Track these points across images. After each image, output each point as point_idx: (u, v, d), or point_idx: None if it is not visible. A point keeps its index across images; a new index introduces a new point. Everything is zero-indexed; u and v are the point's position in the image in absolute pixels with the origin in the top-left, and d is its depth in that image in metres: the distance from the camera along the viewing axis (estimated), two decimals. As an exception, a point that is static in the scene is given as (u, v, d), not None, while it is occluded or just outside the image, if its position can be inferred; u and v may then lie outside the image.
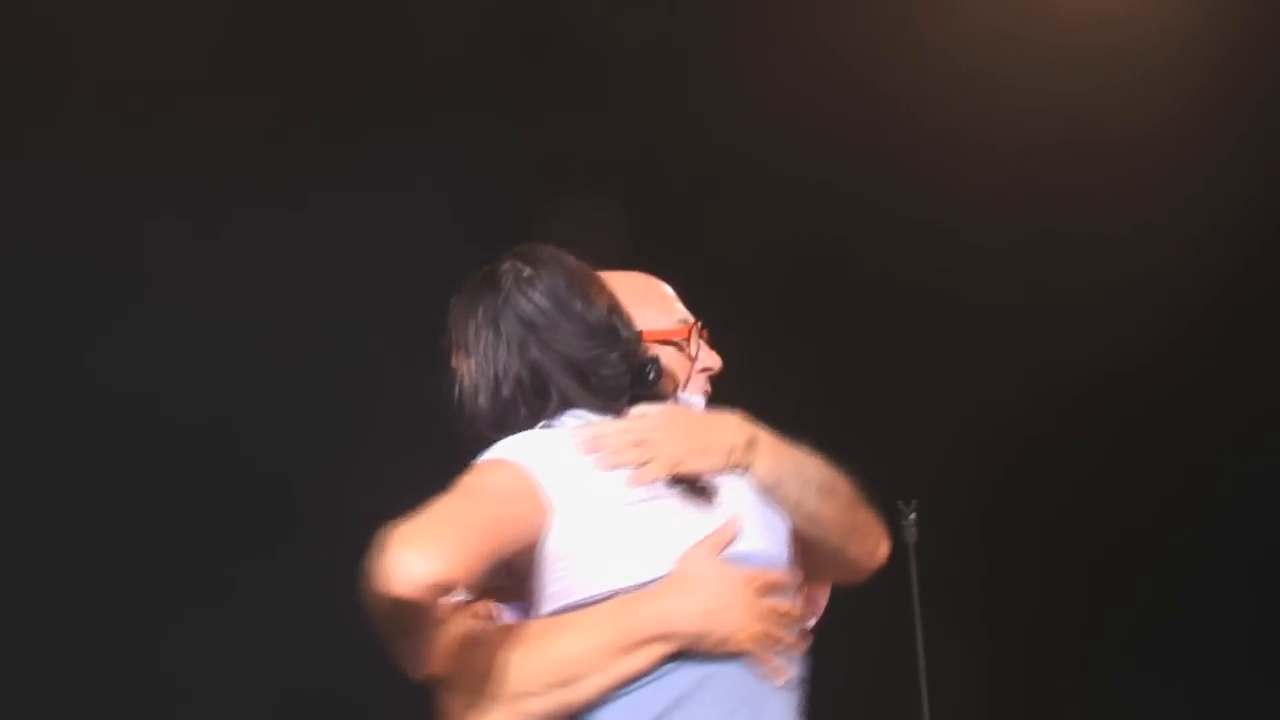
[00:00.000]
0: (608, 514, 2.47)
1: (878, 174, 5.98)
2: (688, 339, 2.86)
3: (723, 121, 5.83)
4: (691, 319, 2.89)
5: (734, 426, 2.57)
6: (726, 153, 5.85)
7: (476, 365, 2.60)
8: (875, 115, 5.93)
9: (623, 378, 2.59)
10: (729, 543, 2.49)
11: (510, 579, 2.46)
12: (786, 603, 2.52)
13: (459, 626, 2.47)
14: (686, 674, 2.43)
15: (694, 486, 2.52)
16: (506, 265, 2.64)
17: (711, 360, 2.87)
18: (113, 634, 5.13)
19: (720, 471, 2.54)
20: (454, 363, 2.63)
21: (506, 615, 2.51)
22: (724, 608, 2.43)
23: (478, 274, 2.67)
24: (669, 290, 2.94)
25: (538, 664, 2.41)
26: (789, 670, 2.50)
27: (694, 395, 2.79)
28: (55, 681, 5.09)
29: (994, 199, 6.06)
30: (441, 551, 2.27)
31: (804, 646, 2.54)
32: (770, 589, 2.51)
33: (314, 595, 5.14)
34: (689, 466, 2.51)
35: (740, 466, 2.55)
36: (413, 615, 2.30)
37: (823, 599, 2.84)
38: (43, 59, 5.20)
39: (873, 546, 2.69)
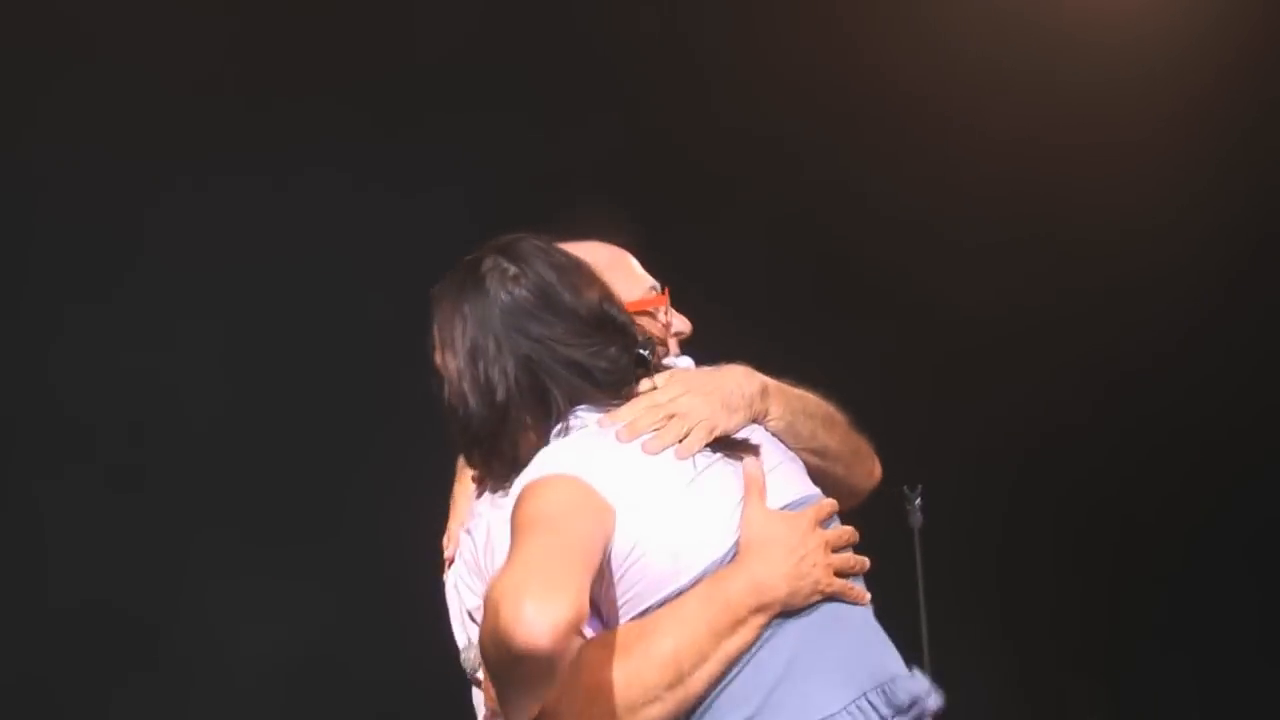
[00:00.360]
0: (667, 500, 2.44)
1: (889, 166, 6.02)
2: (661, 307, 2.85)
3: (734, 114, 5.87)
4: (659, 285, 2.88)
5: (745, 377, 2.60)
6: (738, 144, 5.88)
7: (466, 367, 2.53)
8: (887, 108, 5.96)
9: (625, 367, 2.57)
10: (772, 492, 2.50)
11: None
12: (845, 529, 2.56)
13: None
14: (790, 632, 2.42)
15: (731, 446, 2.52)
16: (489, 262, 2.58)
17: (683, 324, 2.88)
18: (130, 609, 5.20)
19: (746, 424, 2.56)
20: (440, 362, 2.57)
21: (587, 631, 2.35)
22: (802, 559, 2.44)
23: (458, 269, 2.60)
24: (632, 258, 2.92)
25: (646, 670, 2.33)
26: (864, 591, 2.54)
27: (683, 359, 2.75)
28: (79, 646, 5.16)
29: (1003, 192, 6.09)
30: (561, 593, 2.14)
31: (866, 562, 2.55)
32: (827, 521, 2.55)
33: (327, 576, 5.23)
34: (724, 427, 2.52)
35: (760, 415, 2.58)
36: (546, 666, 2.14)
37: None
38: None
39: (870, 467, 2.78)
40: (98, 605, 5.11)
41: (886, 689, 2.45)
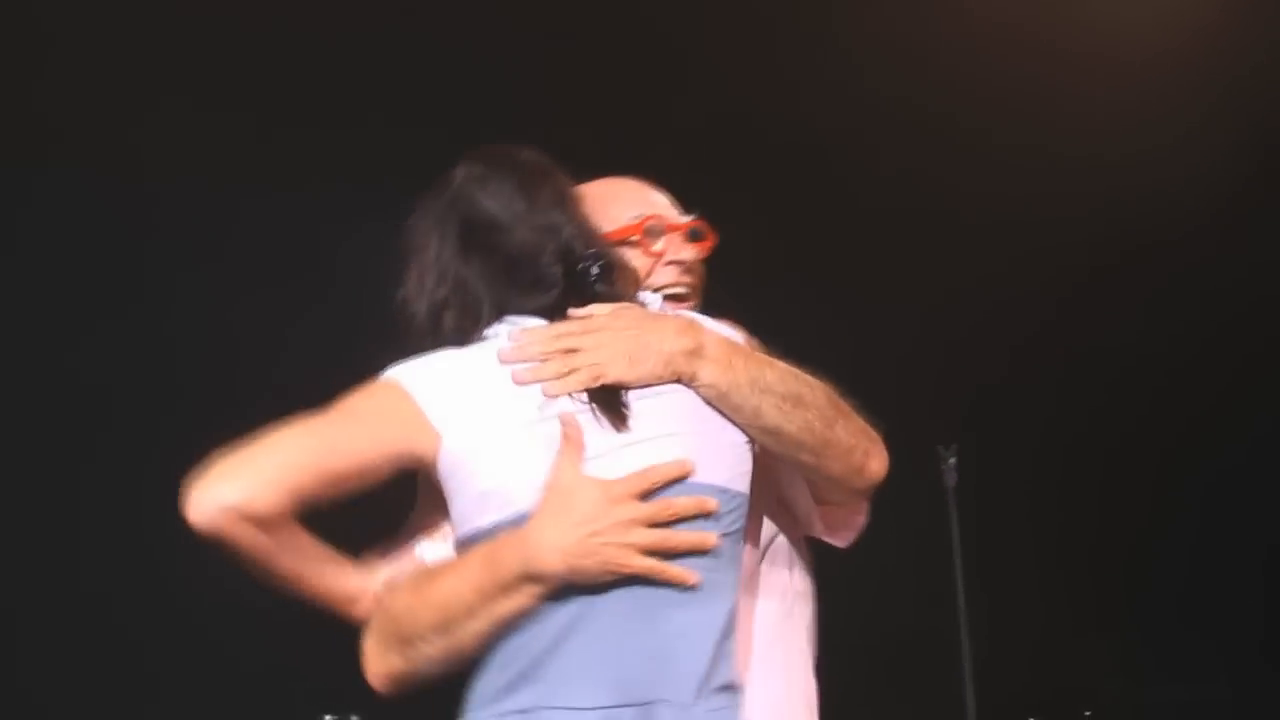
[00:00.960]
0: (497, 437, 2.30)
1: (911, 105, 5.89)
2: (641, 235, 2.65)
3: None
4: (653, 213, 2.68)
5: (674, 332, 2.35)
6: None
7: (418, 270, 2.42)
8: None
9: (552, 275, 2.38)
10: (593, 454, 2.27)
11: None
12: (665, 501, 2.27)
13: (387, 569, 2.38)
14: (563, 612, 2.25)
15: (612, 401, 2.31)
16: (460, 167, 2.47)
17: (682, 252, 2.68)
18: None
19: (657, 381, 2.32)
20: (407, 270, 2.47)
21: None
22: (593, 533, 2.25)
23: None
24: (645, 191, 2.73)
25: (420, 609, 2.31)
26: (698, 572, 2.26)
27: (651, 295, 2.53)
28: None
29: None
30: (234, 481, 2.21)
31: (712, 541, 2.27)
32: (645, 489, 2.27)
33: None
34: (615, 376, 2.31)
35: (681, 376, 2.32)
36: (219, 544, 2.20)
37: (854, 518, 2.59)
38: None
39: (858, 462, 2.40)
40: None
41: (644, 713, 2.24)
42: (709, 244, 2.72)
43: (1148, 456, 6.41)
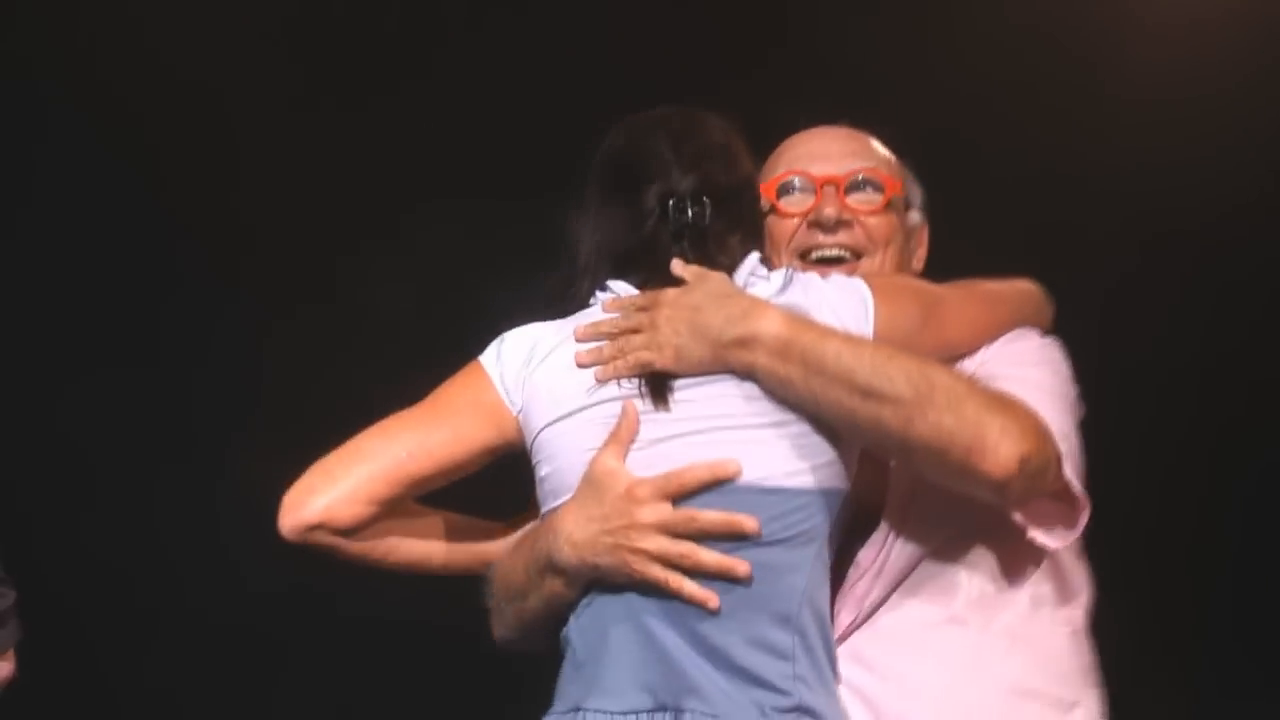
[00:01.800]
0: (559, 421, 2.30)
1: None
2: (774, 195, 2.57)
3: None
4: (795, 168, 2.58)
5: (728, 320, 2.24)
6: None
7: (569, 225, 2.46)
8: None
9: (657, 239, 2.33)
10: (637, 442, 2.24)
11: None
12: (686, 513, 2.20)
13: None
14: (612, 605, 2.25)
15: (659, 388, 2.25)
16: (612, 130, 2.46)
17: (825, 210, 2.53)
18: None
19: (706, 371, 2.25)
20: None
21: None
22: (606, 531, 2.21)
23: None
24: (811, 142, 2.63)
25: (512, 572, 2.38)
26: (717, 593, 2.19)
27: (751, 260, 2.39)
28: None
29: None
30: (329, 497, 2.31)
31: (741, 570, 2.18)
32: (674, 491, 2.21)
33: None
34: (662, 364, 2.24)
35: (733, 366, 2.24)
36: (314, 551, 2.34)
37: (1049, 510, 2.34)
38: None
39: (958, 460, 2.19)
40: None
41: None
42: (875, 199, 2.56)
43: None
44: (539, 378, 2.31)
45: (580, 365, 2.27)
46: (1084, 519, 2.34)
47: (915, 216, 2.71)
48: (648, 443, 2.23)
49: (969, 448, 2.17)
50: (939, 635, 2.35)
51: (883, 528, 2.39)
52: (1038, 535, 2.32)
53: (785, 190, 2.57)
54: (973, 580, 2.38)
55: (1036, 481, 2.23)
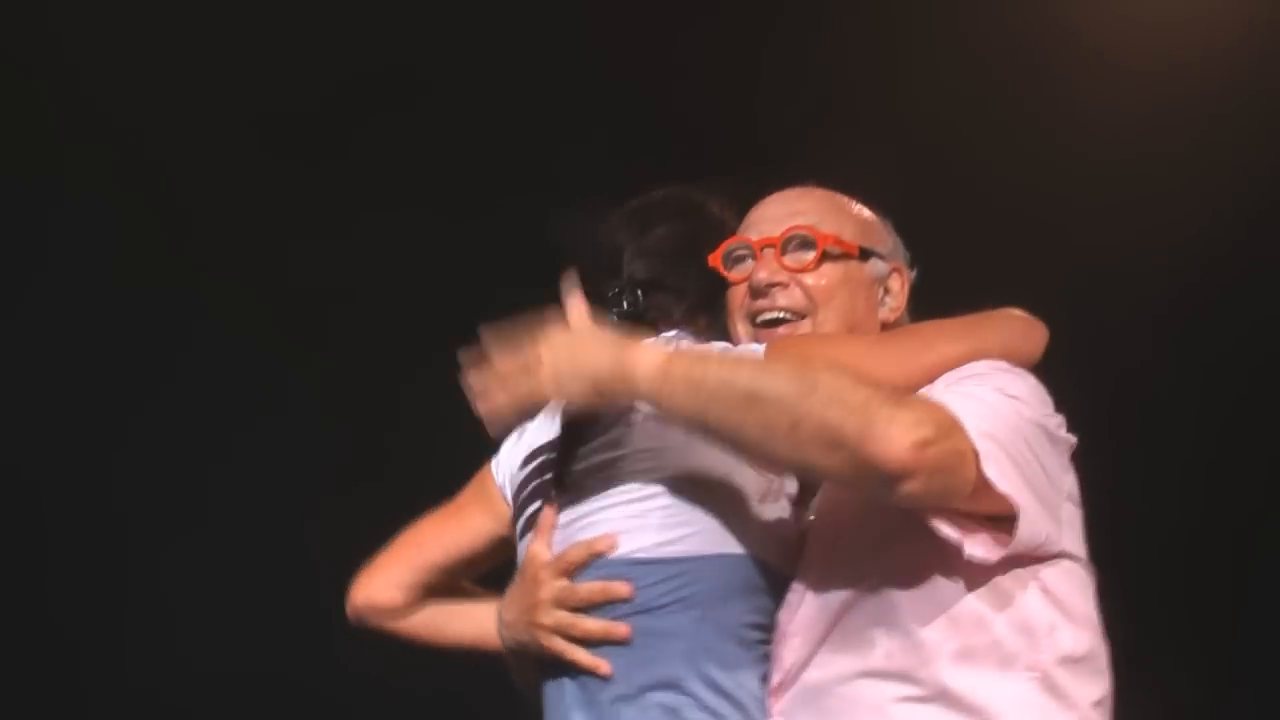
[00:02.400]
0: (512, 486, 2.58)
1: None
2: (721, 266, 2.59)
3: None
4: (739, 235, 2.60)
5: (599, 356, 2.26)
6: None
7: None
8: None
9: (615, 306, 2.52)
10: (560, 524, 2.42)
11: None
12: (589, 586, 2.32)
13: None
14: (558, 683, 2.39)
15: (568, 465, 2.40)
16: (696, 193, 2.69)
17: (759, 273, 2.54)
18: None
19: (594, 406, 2.29)
20: None
21: None
22: (525, 609, 2.40)
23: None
24: (765, 208, 2.63)
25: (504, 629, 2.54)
26: (605, 662, 2.30)
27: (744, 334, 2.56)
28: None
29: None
30: (370, 587, 2.64)
31: (620, 632, 2.29)
32: (564, 569, 2.34)
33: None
34: (545, 395, 2.29)
35: (617, 399, 2.28)
36: (372, 633, 2.67)
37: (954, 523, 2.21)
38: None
39: (850, 449, 2.08)
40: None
41: None
42: (805, 257, 2.56)
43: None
44: (511, 461, 2.58)
45: (469, 392, 2.31)
46: (1024, 530, 2.20)
47: (880, 266, 2.62)
48: (560, 526, 2.40)
49: (860, 435, 2.06)
50: (855, 690, 2.28)
51: (796, 589, 2.37)
52: (971, 549, 2.20)
53: (729, 258, 2.59)
54: (892, 633, 2.27)
55: (945, 477, 2.12)
